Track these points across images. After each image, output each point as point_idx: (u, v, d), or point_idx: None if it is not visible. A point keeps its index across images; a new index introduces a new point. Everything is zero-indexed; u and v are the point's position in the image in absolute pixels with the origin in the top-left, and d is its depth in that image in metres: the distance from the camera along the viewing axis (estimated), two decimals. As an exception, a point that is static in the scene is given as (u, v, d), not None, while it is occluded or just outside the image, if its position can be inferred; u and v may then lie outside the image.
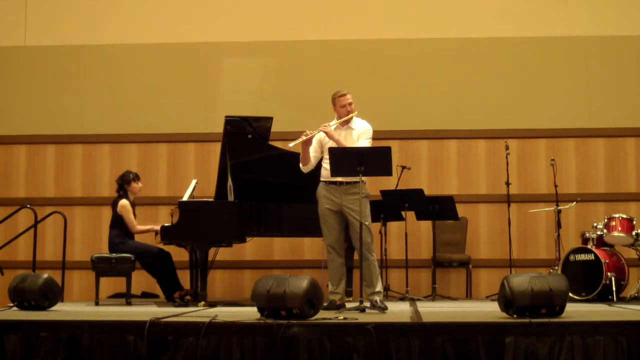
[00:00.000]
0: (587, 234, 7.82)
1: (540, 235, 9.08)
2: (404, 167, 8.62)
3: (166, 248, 7.79)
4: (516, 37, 9.35)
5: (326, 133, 6.38)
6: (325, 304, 5.81)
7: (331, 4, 9.54)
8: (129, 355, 4.84)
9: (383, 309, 6.00)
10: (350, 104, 6.48)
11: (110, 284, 8.61)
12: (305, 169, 6.56)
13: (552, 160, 8.40)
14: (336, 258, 6.48)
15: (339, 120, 6.48)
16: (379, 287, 6.29)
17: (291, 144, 6.42)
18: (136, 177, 7.91)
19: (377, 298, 6.16)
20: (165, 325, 4.99)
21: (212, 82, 9.50)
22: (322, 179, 6.49)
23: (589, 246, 7.65)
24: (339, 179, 6.35)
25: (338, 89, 6.61)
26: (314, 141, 6.47)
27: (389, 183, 8.35)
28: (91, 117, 9.48)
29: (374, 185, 7.97)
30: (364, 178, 6.30)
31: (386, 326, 4.82)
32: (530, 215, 8.90)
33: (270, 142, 7.67)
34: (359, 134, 6.48)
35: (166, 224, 7.40)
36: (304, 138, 6.35)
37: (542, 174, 9.10)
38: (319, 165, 6.57)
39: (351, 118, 6.49)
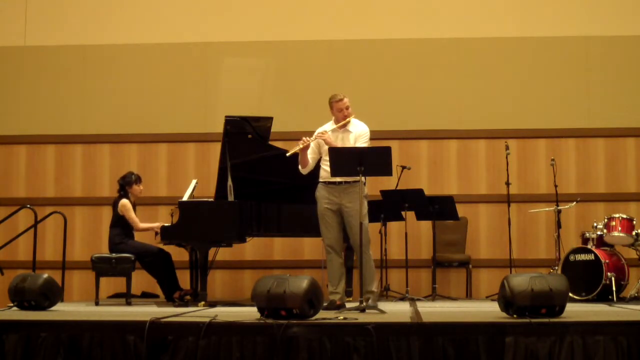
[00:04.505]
0: (587, 234, 7.81)
1: (540, 235, 9.08)
2: (404, 167, 8.63)
3: (166, 248, 7.79)
4: (516, 37, 9.34)
5: (323, 140, 6.42)
6: (325, 304, 5.81)
7: (331, 4, 9.54)
8: (129, 355, 4.84)
9: (371, 307, 5.92)
10: (347, 108, 6.52)
11: (110, 284, 8.61)
12: (304, 171, 6.64)
13: (552, 160, 8.40)
14: (335, 258, 6.50)
15: (337, 125, 6.53)
16: (373, 287, 6.30)
17: (288, 153, 6.47)
18: (138, 180, 7.90)
19: (369, 297, 6.16)
20: (165, 325, 4.98)
21: (212, 82, 9.50)
22: (320, 180, 6.52)
23: (589, 246, 7.64)
24: (338, 178, 6.37)
25: (336, 91, 6.66)
26: (312, 143, 6.50)
27: (389, 183, 8.35)
28: (91, 117, 9.48)
29: (374, 185, 7.99)
30: (363, 178, 6.32)
31: (386, 326, 4.82)
32: (530, 215, 8.89)
33: (270, 142, 7.67)
34: (356, 137, 6.53)
35: (166, 224, 7.40)
36: (301, 146, 6.41)
37: (542, 174, 9.10)
38: (318, 166, 6.61)
39: (348, 122, 6.53)
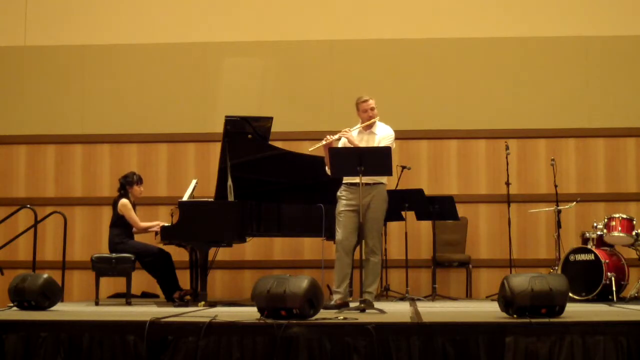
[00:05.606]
0: (587, 234, 7.81)
1: (540, 235, 9.08)
2: (404, 167, 8.63)
3: (166, 248, 7.79)
4: (516, 37, 9.34)
5: (346, 138, 6.47)
6: (325, 304, 5.81)
7: (332, 3, 9.54)
8: (129, 355, 4.84)
9: (360, 310, 5.87)
10: (372, 109, 6.63)
11: (110, 284, 8.61)
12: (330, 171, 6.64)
13: (552, 160, 8.40)
14: (343, 258, 6.53)
15: (361, 125, 6.61)
16: (371, 289, 6.32)
17: (311, 148, 6.53)
18: (139, 180, 7.90)
19: (367, 298, 6.17)
20: (165, 325, 4.98)
21: (212, 82, 9.49)
22: (343, 181, 6.59)
23: (589, 246, 7.64)
24: (358, 179, 6.38)
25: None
26: (340, 145, 6.56)
27: (389, 183, 8.30)
28: (91, 117, 9.48)
29: (374, 185, 7.98)
30: (384, 180, 6.49)
31: (386, 326, 4.82)
32: (530, 215, 8.89)
33: (270, 142, 7.67)
34: (381, 139, 6.61)
35: (166, 224, 7.40)
36: (324, 142, 6.49)
37: (542, 174, 9.10)
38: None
39: (373, 123, 6.57)
